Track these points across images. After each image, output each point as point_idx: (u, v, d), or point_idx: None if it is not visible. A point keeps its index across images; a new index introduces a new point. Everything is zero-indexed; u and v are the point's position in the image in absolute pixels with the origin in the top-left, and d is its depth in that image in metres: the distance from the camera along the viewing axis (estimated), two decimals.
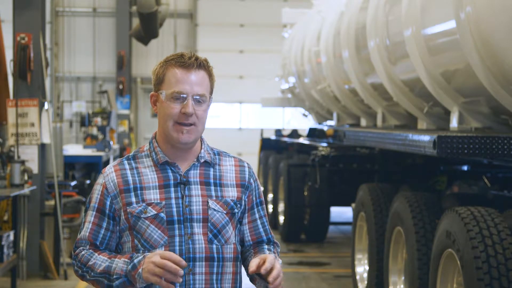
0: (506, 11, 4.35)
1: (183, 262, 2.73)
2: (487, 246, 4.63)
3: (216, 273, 2.90)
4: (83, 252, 2.92)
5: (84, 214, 2.99)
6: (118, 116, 18.19)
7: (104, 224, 2.93)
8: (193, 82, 2.87)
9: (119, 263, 2.83)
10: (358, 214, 7.80)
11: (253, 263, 2.80)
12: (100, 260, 2.87)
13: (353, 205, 8.08)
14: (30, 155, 9.07)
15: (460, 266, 4.82)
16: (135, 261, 2.79)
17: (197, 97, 2.87)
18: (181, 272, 2.71)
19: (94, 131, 14.90)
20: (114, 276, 2.82)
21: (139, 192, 2.90)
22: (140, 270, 2.76)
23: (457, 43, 5.03)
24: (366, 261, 7.70)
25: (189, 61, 2.88)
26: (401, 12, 6.15)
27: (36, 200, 9.16)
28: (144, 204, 2.89)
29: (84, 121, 15.35)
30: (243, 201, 3.00)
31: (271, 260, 2.80)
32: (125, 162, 2.98)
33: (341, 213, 14.62)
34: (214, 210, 2.92)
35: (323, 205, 11.52)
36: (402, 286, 6.56)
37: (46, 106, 9.35)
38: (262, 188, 14.49)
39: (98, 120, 15.31)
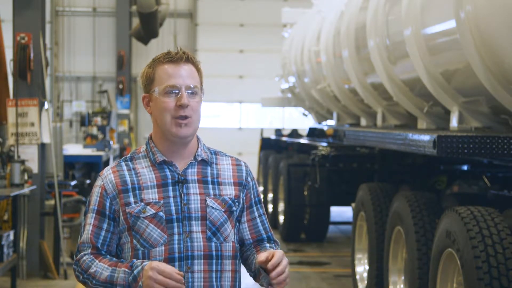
0: (506, 10, 4.36)
1: (180, 278, 2.76)
2: (487, 246, 4.63)
3: (215, 271, 2.91)
4: (84, 258, 2.91)
5: (83, 217, 2.99)
6: (118, 116, 18.20)
7: (105, 226, 2.93)
8: (184, 75, 2.90)
9: (121, 273, 2.82)
10: (358, 214, 7.80)
11: (262, 256, 2.82)
12: (100, 268, 2.86)
13: (353, 204, 8.08)
14: (30, 155, 9.07)
15: (460, 266, 4.82)
16: (135, 272, 2.79)
17: (190, 89, 2.90)
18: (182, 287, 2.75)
19: (94, 130, 14.90)
20: (118, 287, 2.82)
21: (137, 192, 2.91)
22: (140, 283, 2.77)
23: (457, 43, 5.03)
24: (366, 261, 7.70)
25: (176, 56, 2.91)
26: (401, 12, 6.15)
27: (36, 199, 9.16)
28: (142, 203, 2.90)
29: (84, 120, 15.35)
30: (241, 199, 3.01)
31: (279, 255, 2.82)
32: (123, 163, 2.98)
33: (341, 212, 14.61)
34: (212, 208, 2.93)
35: (323, 205, 11.52)
36: (402, 285, 6.56)
37: (46, 105, 9.35)
38: (261, 188, 14.52)
39: (98, 119, 15.32)
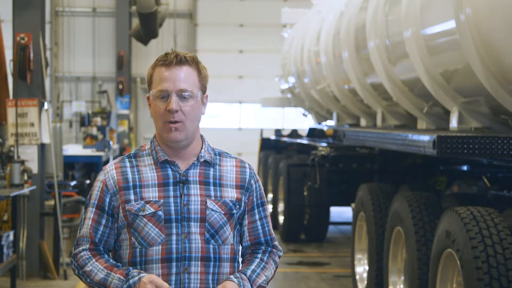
0: (506, 11, 4.36)
1: None
2: (487, 246, 4.63)
3: (212, 273, 2.91)
4: (81, 254, 2.93)
5: (84, 211, 3.01)
6: (117, 116, 18.18)
7: (103, 221, 2.95)
8: (176, 78, 2.86)
9: (115, 279, 2.85)
10: (358, 214, 7.80)
11: None
12: (96, 268, 2.89)
13: (353, 205, 8.08)
14: (30, 155, 9.07)
15: (460, 266, 4.82)
16: (131, 281, 2.82)
17: (182, 93, 2.86)
18: None
19: (94, 131, 14.89)
20: None
21: (138, 190, 2.92)
22: None
23: (457, 43, 5.03)
24: (365, 261, 7.70)
25: (169, 59, 2.87)
26: (401, 12, 6.15)
27: (36, 200, 9.16)
28: (142, 202, 2.90)
29: (84, 121, 15.35)
30: (242, 202, 2.99)
31: None
32: (126, 160, 2.99)
33: (341, 213, 14.62)
34: (212, 210, 2.92)
35: (322, 205, 11.52)
36: (401, 286, 6.56)
37: (45, 106, 9.35)
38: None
39: (98, 120, 15.31)
